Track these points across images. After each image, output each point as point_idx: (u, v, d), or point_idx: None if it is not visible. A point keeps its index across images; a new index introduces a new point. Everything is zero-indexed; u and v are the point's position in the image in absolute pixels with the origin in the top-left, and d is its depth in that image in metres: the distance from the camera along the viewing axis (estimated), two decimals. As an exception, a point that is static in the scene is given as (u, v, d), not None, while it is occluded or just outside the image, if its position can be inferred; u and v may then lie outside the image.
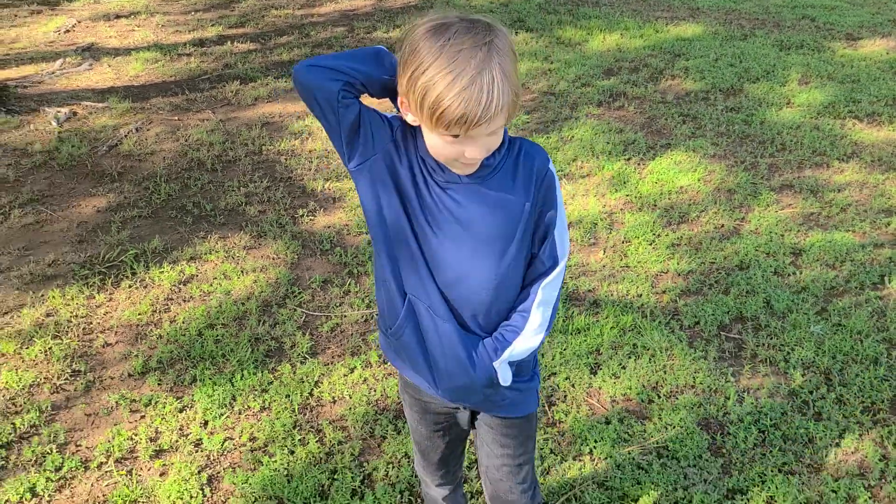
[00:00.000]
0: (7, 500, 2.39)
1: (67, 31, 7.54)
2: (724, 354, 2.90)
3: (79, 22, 7.82)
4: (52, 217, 4.11)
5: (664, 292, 3.30)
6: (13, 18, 8.04)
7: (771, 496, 2.28)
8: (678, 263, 3.47)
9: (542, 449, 2.50)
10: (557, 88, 5.61)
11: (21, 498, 2.40)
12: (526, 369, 1.61)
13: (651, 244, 3.65)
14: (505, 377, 1.53)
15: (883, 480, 2.33)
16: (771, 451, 2.43)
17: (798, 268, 3.39)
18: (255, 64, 6.36)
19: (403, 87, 1.31)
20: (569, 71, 5.92)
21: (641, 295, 3.28)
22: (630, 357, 2.91)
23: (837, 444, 2.45)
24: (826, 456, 2.41)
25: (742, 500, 2.27)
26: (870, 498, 2.26)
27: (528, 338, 1.51)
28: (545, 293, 1.51)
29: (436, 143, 1.33)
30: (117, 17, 7.98)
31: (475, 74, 1.21)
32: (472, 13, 1.27)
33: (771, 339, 2.95)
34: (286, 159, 4.65)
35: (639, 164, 4.43)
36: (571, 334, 3.04)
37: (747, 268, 3.40)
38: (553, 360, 2.90)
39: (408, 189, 1.42)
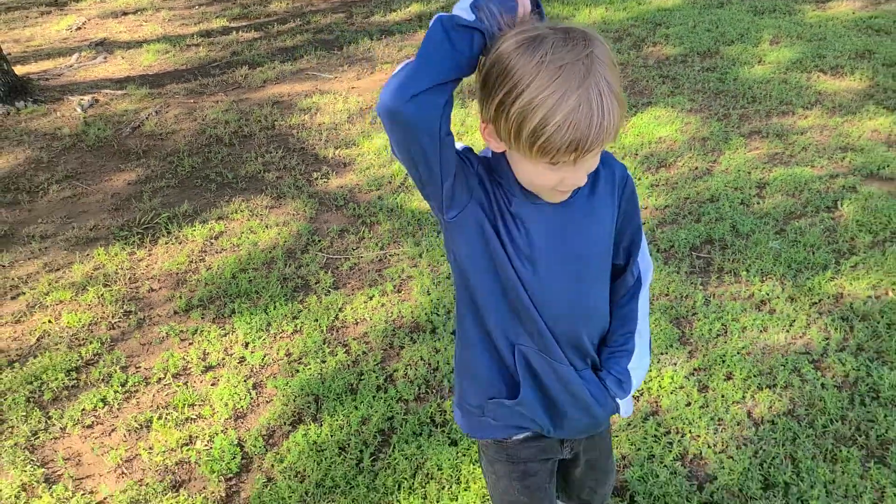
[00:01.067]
0: (83, 409, 2.81)
1: (78, 28, 7.95)
2: (694, 269, 3.31)
3: (88, 20, 8.22)
4: (87, 190, 4.52)
5: (644, 223, 3.70)
6: (25, 19, 8.44)
7: (730, 371, 2.69)
8: (656, 200, 3.87)
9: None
10: (545, 58, 5.98)
11: (94, 406, 2.82)
12: None
13: (632, 186, 4.04)
14: (628, 410, 1.46)
15: (825, 356, 2.74)
16: (730, 339, 2.84)
17: (762, 198, 3.79)
18: (260, 50, 6.76)
19: (490, 114, 1.12)
20: (555, 42, 6.29)
21: (623, 228, 3.68)
22: (613, 277, 3.31)
23: (787, 331, 2.86)
24: (777, 340, 2.82)
25: (705, 375, 2.68)
26: (813, 369, 2.68)
27: (641, 359, 1.42)
28: (643, 308, 1.41)
29: (531, 171, 1.17)
30: (124, 13, 8.37)
31: (582, 93, 1.04)
32: (560, 21, 1.14)
33: (735, 255, 3.35)
34: (298, 132, 5.05)
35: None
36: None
37: (717, 200, 3.80)
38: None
39: (499, 228, 1.26)
